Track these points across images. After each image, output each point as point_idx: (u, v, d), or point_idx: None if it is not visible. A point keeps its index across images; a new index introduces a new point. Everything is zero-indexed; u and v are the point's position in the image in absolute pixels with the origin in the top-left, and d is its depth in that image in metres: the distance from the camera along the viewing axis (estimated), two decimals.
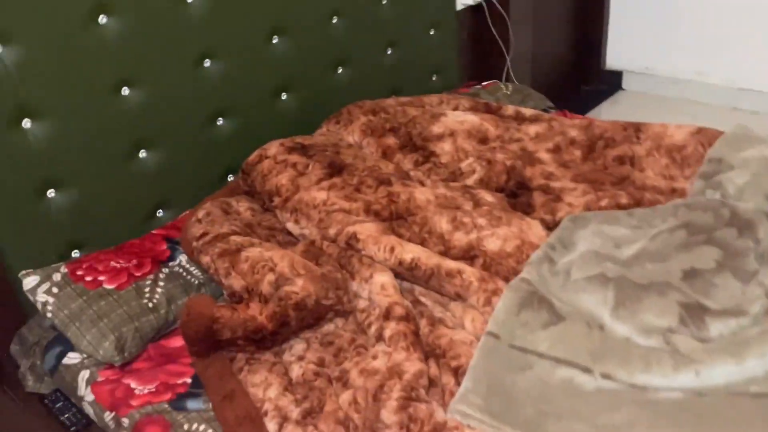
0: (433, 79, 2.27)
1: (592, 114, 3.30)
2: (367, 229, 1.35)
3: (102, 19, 1.40)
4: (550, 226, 1.44)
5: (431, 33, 2.19)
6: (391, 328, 1.16)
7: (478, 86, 2.18)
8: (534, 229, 1.36)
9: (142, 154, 1.54)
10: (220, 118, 1.68)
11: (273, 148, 1.56)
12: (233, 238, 1.34)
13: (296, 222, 1.44)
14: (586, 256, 1.26)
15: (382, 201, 1.41)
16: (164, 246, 1.46)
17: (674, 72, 3.24)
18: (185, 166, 1.63)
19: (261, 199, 1.52)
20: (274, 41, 1.73)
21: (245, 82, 1.69)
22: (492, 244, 1.33)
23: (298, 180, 1.48)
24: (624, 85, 3.45)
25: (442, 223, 1.38)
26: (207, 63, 1.61)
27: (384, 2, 1.98)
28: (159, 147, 1.56)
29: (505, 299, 1.18)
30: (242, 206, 1.53)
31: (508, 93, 2.10)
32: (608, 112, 3.29)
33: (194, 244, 1.35)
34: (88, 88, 1.42)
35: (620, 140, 1.58)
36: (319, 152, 1.55)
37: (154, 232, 1.52)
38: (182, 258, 1.43)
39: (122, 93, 1.47)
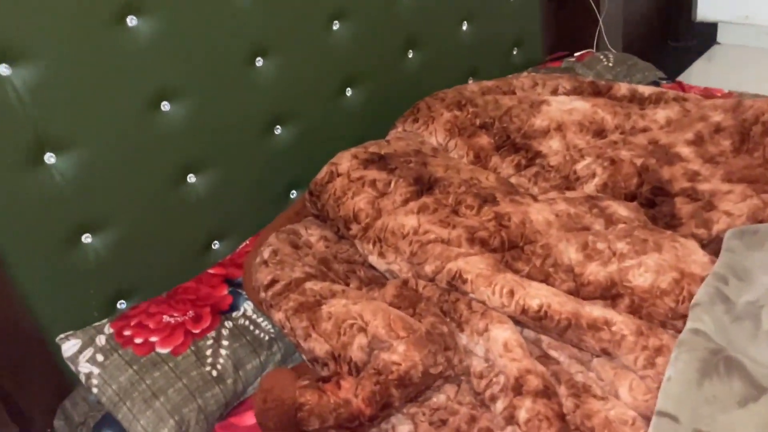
0: (514, 53, 1.94)
1: (685, 76, 2.90)
2: (474, 266, 1.06)
3: (131, 21, 1.14)
4: (704, 243, 1.13)
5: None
6: (526, 409, 0.88)
7: (571, 58, 1.84)
8: (694, 255, 1.05)
9: (191, 178, 1.29)
10: (278, 126, 1.40)
11: (345, 161, 1.28)
12: (309, 285, 1.07)
13: (381, 255, 1.16)
14: None
15: (489, 226, 1.12)
16: (225, 290, 1.21)
17: None
18: (241, 187, 1.37)
19: (335, 225, 1.25)
20: (335, 27, 1.44)
21: (302, 79, 1.41)
22: (640, 279, 1.03)
23: (380, 202, 1.20)
24: (719, 38, 3.02)
25: (571, 252, 1.08)
26: (259, 62, 1.33)
27: None
28: (209, 168, 1.31)
29: (677, 363, 0.88)
30: (313, 235, 1.26)
31: (610, 64, 1.76)
32: (703, 72, 2.88)
33: (262, 295, 1.09)
34: (121, 109, 1.16)
35: None
36: (402, 164, 1.26)
37: (210, 271, 1.27)
38: (247, 306, 1.17)
39: (162, 109, 1.21)
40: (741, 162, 1.23)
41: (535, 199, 1.19)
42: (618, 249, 1.07)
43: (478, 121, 1.41)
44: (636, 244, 1.07)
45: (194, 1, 1.21)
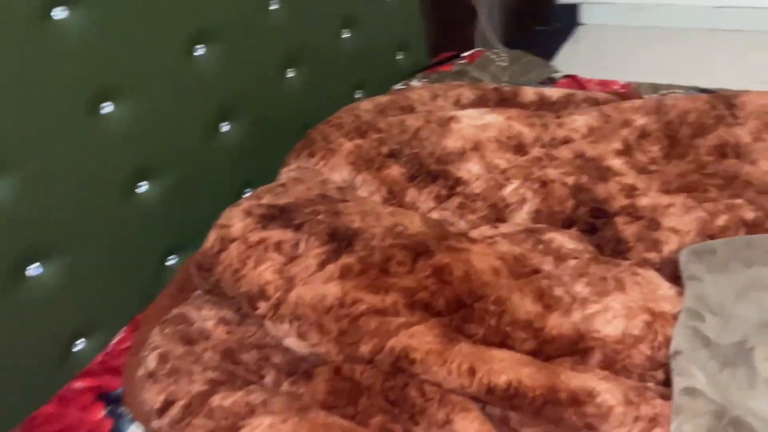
0: (399, 58, 1.77)
1: (557, 60, 2.88)
2: (421, 340, 0.87)
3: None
4: (657, 268, 1.02)
5: None
6: None
7: (461, 60, 1.70)
8: (659, 290, 0.93)
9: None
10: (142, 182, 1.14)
11: (236, 221, 1.04)
12: (218, 402, 0.83)
13: (301, 337, 0.94)
14: (765, 326, 0.85)
15: (428, 284, 0.93)
16: (101, 412, 0.94)
17: None
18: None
19: (236, 303, 1.01)
20: (197, 54, 1.18)
21: (164, 122, 1.14)
22: (609, 327, 0.89)
23: (290, 269, 0.98)
24: (582, 18, 3.05)
25: (527, 304, 0.92)
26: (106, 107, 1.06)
27: None
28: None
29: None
30: (209, 319, 1.01)
31: (504, 64, 1.63)
32: (572, 55, 2.88)
33: (155, 424, 0.84)
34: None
35: (711, 123, 1.16)
36: (309, 217, 1.04)
37: (76, 385, 0.98)
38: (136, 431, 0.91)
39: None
40: (675, 169, 1.13)
41: (471, 240, 1.02)
42: (577, 293, 0.93)
43: (384, 149, 1.22)
44: (596, 285, 0.93)
45: None
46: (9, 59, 0.90)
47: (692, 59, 2.62)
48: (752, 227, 1.03)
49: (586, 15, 3.01)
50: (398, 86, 1.68)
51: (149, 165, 1.11)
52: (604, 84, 1.64)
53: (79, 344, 1.06)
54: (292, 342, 0.96)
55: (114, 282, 1.09)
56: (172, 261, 1.20)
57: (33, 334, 0.99)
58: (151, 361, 0.90)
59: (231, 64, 1.21)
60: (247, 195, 1.13)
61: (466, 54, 1.73)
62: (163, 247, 1.17)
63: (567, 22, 3.04)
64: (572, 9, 3.01)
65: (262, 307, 0.97)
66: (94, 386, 0.97)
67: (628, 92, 1.51)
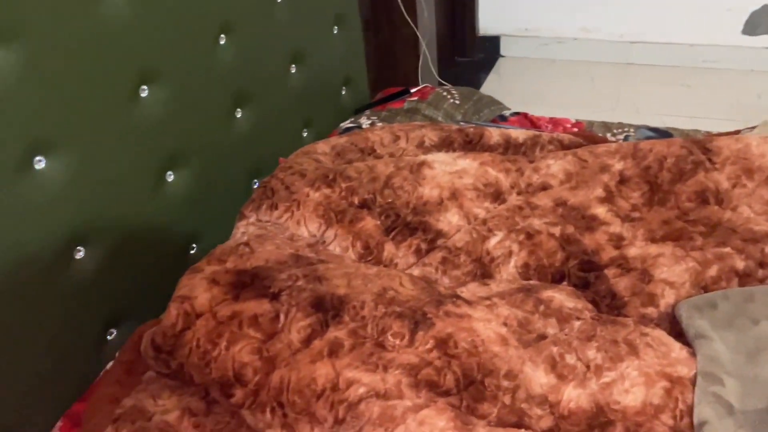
0: (343, 93, 1.67)
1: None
2: (434, 426, 0.76)
3: None
4: (657, 324, 0.98)
5: (335, 31, 1.57)
6: None
7: (412, 97, 1.62)
8: (673, 352, 0.88)
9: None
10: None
11: (201, 292, 0.89)
12: None
13: (287, 428, 0.81)
14: None
15: (432, 359, 0.83)
16: None
17: (556, 31, 2.93)
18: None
19: (203, 389, 0.86)
20: (143, 95, 1.02)
21: (104, 174, 0.98)
22: (629, 398, 0.82)
23: (270, 347, 0.84)
24: (502, 50, 3.09)
25: (540, 376, 0.84)
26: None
27: (278, 0, 1.33)
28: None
29: None
30: (170, 411, 0.85)
31: (457, 102, 1.57)
32: (495, 86, 2.90)
33: None
34: None
35: (690, 168, 1.14)
36: (287, 283, 0.91)
37: None
38: None
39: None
40: (657, 216, 1.10)
41: (468, 303, 0.93)
42: (590, 360, 0.86)
43: (356, 200, 1.11)
44: (608, 350, 0.87)
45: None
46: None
47: (611, 93, 2.72)
48: (743, 277, 1.01)
49: (505, 47, 3.05)
50: (346, 124, 1.58)
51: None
52: (555, 122, 1.62)
53: None
54: None
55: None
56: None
57: None
58: None
59: (178, 107, 1.06)
60: (207, 257, 0.98)
61: (414, 90, 1.65)
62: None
63: (488, 53, 3.07)
64: (493, 41, 3.04)
65: (238, 394, 0.83)
66: None
67: (584, 132, 1.49)
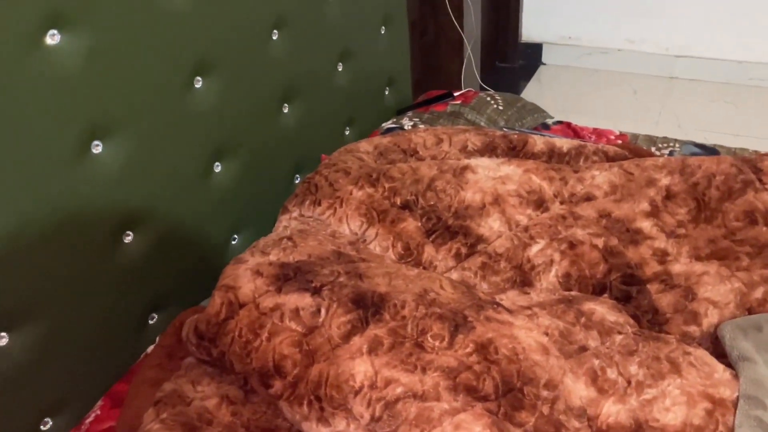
0: (386, 93, 1.68)
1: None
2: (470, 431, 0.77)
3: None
4: (698, 343, 0.96)
5: (382, 31, 1.58)
6: None
7: (455, 101, 1.62)
8: (716, 373, 0.86)
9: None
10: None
11: (245, 282, 0.90)
12: None
13: (323, 422, 0.82)
14: None
15: (472, 364, 0.83)
16: None
17: (600, 41, 2.90)
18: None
19: (242, 377, 0.87)
20: (197, 86, 1.04)
21: (160, 159, 1.00)
22: (669, 416, 0.81)
23: (311, 341, 0.85)
24: (544, 58, 3.07)
25: (580, 388, 0.83)
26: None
27: None
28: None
29: None
30: (209, 398, 0.87)
31: (500, 108, 1.57)
32: (536, 93, 2.88)
33: None
34: None
35: (739, 187, 1.12)
36: (329, 279, 0.92)
37: None
38: None
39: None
40: (704, 234, 1.09)
41: (509, 312, 0.93)
42: (632, 375, 0.85)
43: (398, 200, 1.12)
44: (650, 366, 0.86)
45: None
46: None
47: (654, 106, 2.68)
48: None
49: (548, 55, 3.03)
50: (388, 124, 1.59)
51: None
52: (599, 133, 1.60)
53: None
54: (310, 428, 0.83)
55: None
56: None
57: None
58: None
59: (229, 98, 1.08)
60: (251, 248, 0.99)
61: (458, 93, 1.65)
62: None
63: (530, 60, 3.05)
64: (536, 48, 3.02)
65: (277, 385, 0.84)
66: None
67: (629, 144, 1.47)
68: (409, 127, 1.58)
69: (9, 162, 0.76)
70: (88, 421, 0.91)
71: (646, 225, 1.09)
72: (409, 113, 1.63)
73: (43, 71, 0.77)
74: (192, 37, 0.99)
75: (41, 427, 0.88)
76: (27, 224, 0.79)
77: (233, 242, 1.19)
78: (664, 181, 1.16)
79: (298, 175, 1.35)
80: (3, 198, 0.76)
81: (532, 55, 3.05)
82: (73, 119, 0.82)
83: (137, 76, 0.90)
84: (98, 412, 0.92)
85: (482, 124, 1.58)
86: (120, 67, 0.87)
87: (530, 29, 3.00)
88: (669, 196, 1.14)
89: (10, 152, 0.76)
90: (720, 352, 0.95)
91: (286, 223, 1.12)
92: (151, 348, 1.03)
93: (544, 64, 3.07)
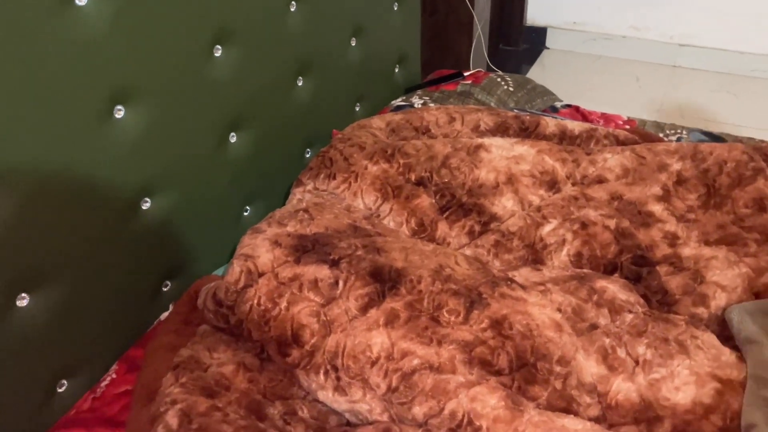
0: (396, 71, 1.67)
1: None
2: (486, 404, 0.78)
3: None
4: (706, 325, 0.98)
5: (395, 8, 1.57)
6: None
7: (465, 81, 1.62)
8: (723, 355, 0.88)
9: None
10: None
11: (263, 252, 0.91)
12: None
13: (339, 391, 0.83)
14: None
15: (486, 339, 0.85)
16: None
17: (605, 27, 2.90)
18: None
19: (258, 345, 0.88)
20: (217, 54, 1.03)
21: (178, 126, 1.00)
22: (679, 395, 0.83)
23: (328, 312, 0.86)
24: (548, 43, 3.06)
25: (591, 366, 0.85)
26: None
27: None
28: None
29: None
30: (225, 365, 0.88)
31: (511, 89, 1.57)
32: (539, 77, 2.88)
33: None
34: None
35: (749, 174, 1.13)
36: (347, 252, 0.92)
37: None
38: None
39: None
40: (713, 219, 1.10)
41: (523, 288, 0.94)
42: (640, 355, 0.87)
43: (413, 177, 1.12)
44: (658, 347, 0.88)
45: None
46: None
47: (656, 95, 2.69)
48: None
49: (552, 39, 3.02)
50: (398, 102, 1.59)
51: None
52: (607, 117, 1.61)
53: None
54: (326, 396, 0.85)
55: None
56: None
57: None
58: (171, 419, 0.76)
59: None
60: (267, 219, 1.00)
61: (468, 74, 1.65)
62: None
63: (534, 44, 3.04)
64: (540, 32, 3.02)
65: (294, 354, 0.85)
66: None
67: (638, 129, 1.48)
68: (419, 106, 1.58)
69: (36, 123, 0.76)
70: (103, 384, 0.91)
71: (657, 208, 1.11)
72: (419, 92, 1.62)
73: (72, 34, 0.77)
74: (214, 4, 0.99)
75: (58, 389, 0.88)
76: (49, 186, 0.79)
77: (245, 213, 1.19)
78: (676, 166, 1.17)
79: (309, 149, 1.35)
80: (27, 159, 0.76)
81: (537, 38, 3.04)
82: (99, 82, 0.81)
83: (161, 42, 0.90)
84: (113, 375, 0.92)
85: (492, 104, 1.58)
86: (145, 31, 0.86)
87: (535, 13, 2.99)
88: (680, 181, 1.15)
89: (37, 113, 0.76)
90: (727, 336, 0.97)
91: (300, 195, 1.12)
92: (164, 315, 1.03)
93: (548, 48, 3.07)
